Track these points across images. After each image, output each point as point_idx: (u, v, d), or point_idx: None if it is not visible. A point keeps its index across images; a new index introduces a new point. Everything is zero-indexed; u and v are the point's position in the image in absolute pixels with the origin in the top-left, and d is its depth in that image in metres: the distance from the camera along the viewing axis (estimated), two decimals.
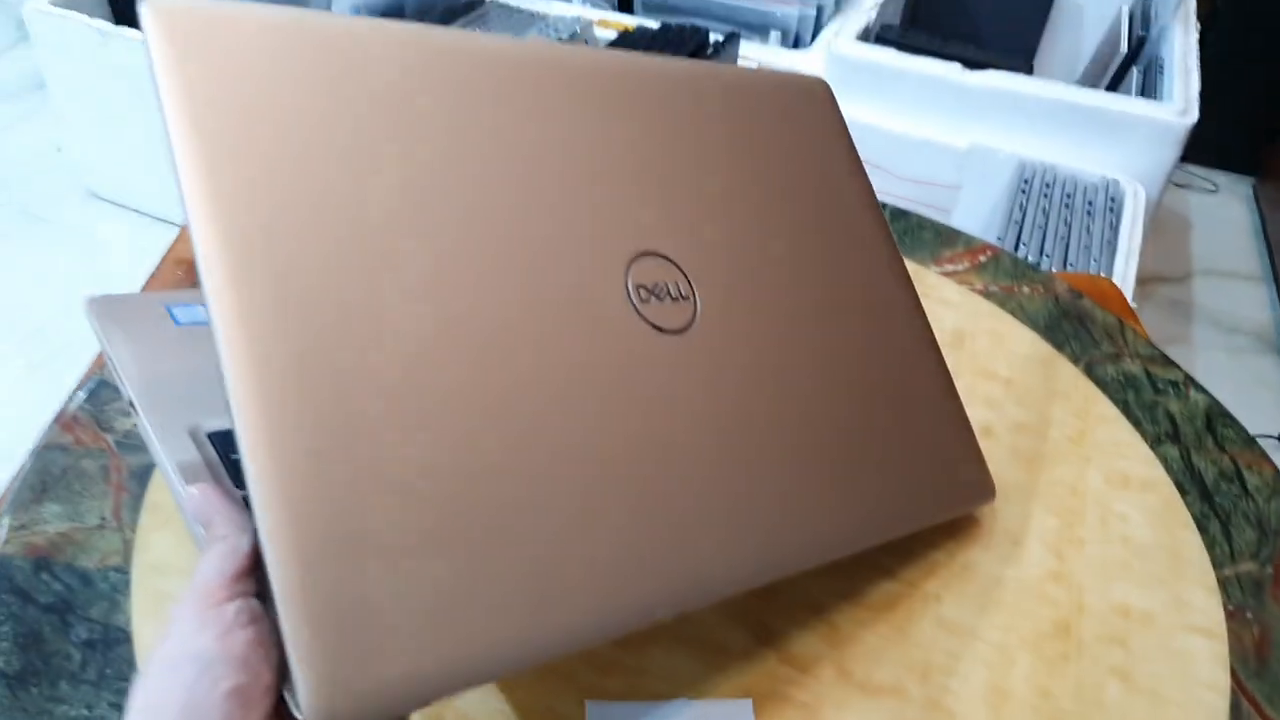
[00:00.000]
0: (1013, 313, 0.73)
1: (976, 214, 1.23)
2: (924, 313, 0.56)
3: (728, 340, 0.46)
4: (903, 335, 0.54)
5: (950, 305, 0.73)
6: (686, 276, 0.45)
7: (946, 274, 0.76)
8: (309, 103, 0.38)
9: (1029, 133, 1.31)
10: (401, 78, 0.40)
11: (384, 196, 0.38)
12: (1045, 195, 1.23)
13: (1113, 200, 1.22)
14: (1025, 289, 0.75)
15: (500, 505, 0.36)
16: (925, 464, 0.52)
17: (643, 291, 0.43)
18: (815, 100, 0.57)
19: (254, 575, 0.34)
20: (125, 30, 1.51)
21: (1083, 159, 1.29)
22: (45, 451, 0.59)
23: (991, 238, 1.09)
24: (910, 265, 0.76)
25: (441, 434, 0.36)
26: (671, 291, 0.44)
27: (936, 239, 0.80)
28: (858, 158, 0.57)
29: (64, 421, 0.61)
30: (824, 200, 0.54)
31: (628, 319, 0.42)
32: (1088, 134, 1.29)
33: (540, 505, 0.37)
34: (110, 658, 0.49)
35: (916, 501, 0.51)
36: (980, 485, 0.55)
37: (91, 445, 0.60)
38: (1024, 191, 1.23)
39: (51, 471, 0.58)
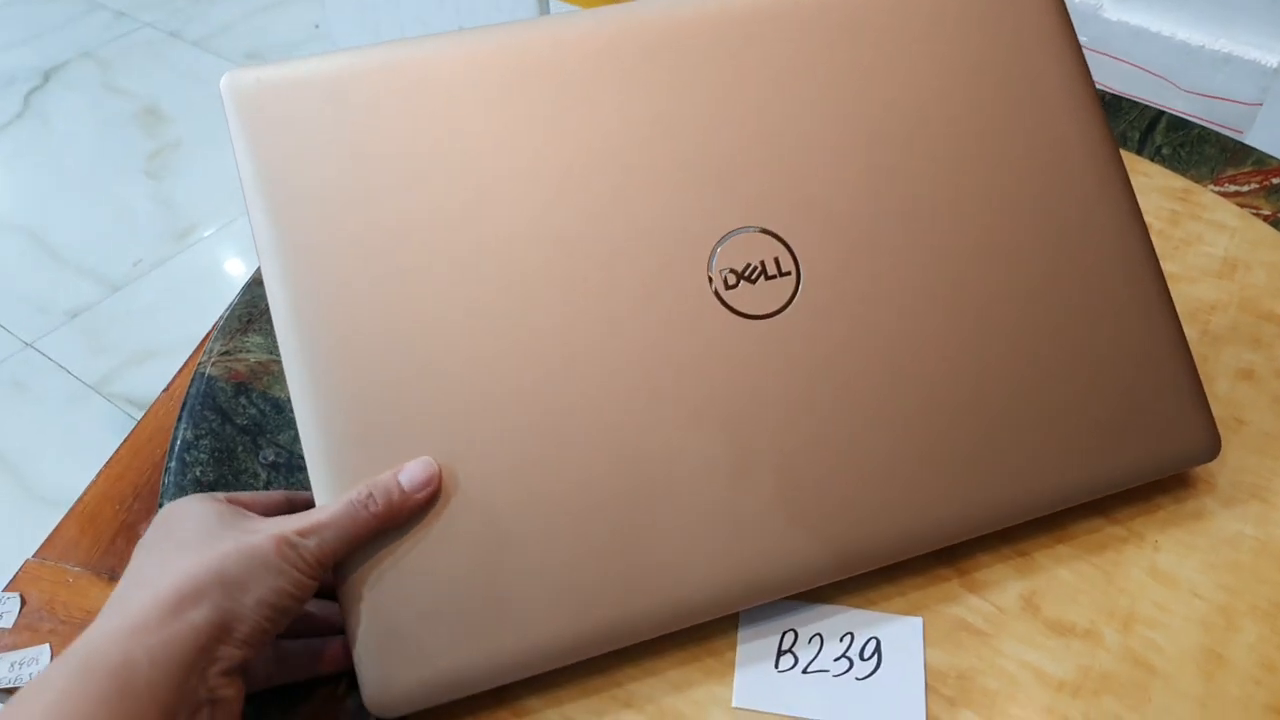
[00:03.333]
0: None
1: (1274, 142, 1.06)
2: (1149, 244, 0.47)
3: (840, 310, 0.44)
4: (1106, 271, 0.46)
5: (1225, 230, 0.63)
6: (790, 248, 0.43)
7: (1227, 194, 0.65)
8: (367, 137, 0.42)
9: None
10: (450, 88, 0.43)
11: (439, 209, 0.41)
12: None
13: None
14: None
15: (561, 520, 0.40)
16: (1122, 421, 0.45)
17: (729, 276, 0.42)
18: (1028, 4, 0.48)
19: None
20: None
21: None
22: (254, 287, 0.62)
23: None
24: (1181, 183, 0.66)
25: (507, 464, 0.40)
26: (769, 269, 0.43)
27: (1221, 154, 0.69)
28: (1077, 53, 0.48)
29: None
30: (1020, 120, 0.47)
31: (708, 309, 0.42)
32: None
33: (600, 514, 0.40)
34: (291, 481, 0.51)
35: (1103, 463, 0.45)
36: (1196, 442, 0.46)
37: None
38: None
39: (259, 305, 0.60)
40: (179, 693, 0.32)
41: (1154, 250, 0.48)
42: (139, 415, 1.29)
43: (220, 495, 0.40)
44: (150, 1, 2.15)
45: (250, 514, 0.39)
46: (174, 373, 1.33)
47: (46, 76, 1.93)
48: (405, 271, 0.41)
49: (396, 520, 0.39)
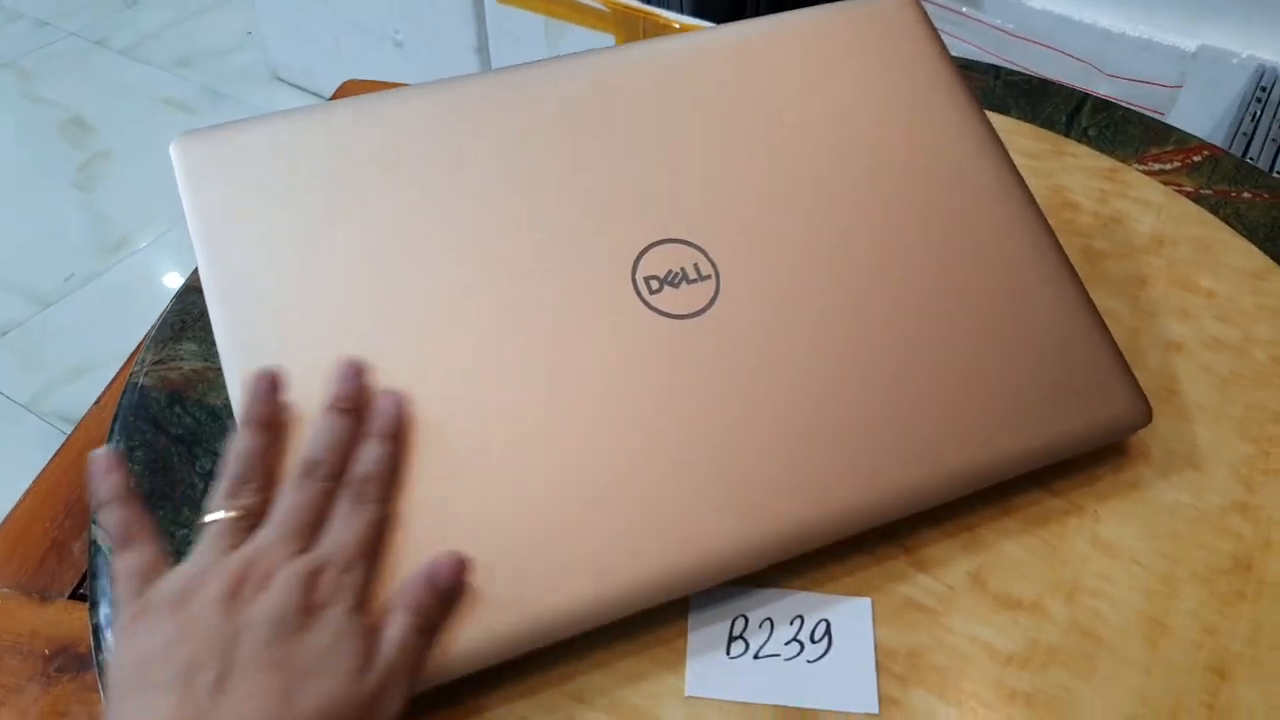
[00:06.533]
0: (1226, 219, 0.63)
1: (1197, 121, 1.09)
2: (1048, 229, 0.51)
3: (763, 307, 0.47)
4: (1012, 255, 0.50)
5: (1150, 207, 0.64)
6: (707, 254, 0.46)
7: (1151, 172, 0.67)
8: (305, 186, 0.45)
9: (1273, 33, 1.14)
10: (385, 140, 0.47)
11: (377, 243, 0.45)
12: None
13: None
14: (1246, 194, 0.65)
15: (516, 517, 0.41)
16: (1046, 394, 0.46)
17: (652, 282, 0.45)
18: (896, 21, 0.55)
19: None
20: None
21: None
22: (186, 294, 0.60)
23: None
24: (1108, 162, 0.67)
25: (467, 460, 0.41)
26: (689, 274, 0.46)
27: (1145, 134, 0.70)
28: (954, 71, 0.54)
29: None
30: (904, 129, 0.52)
31: (633, 312, 0.45)
32: None
33: (546, 504, 0.41)
34: None
35: (1037, 436, 0.46)
36: (1130, 410, 0.48)
37: None
38: (1259, 100, 1.08)
39: (191, 313, 0.59)
40: None
41: (1053, 233, 0.51)
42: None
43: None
44: (74, 9, 2.09)
45: None
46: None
47: None
48: (352, 315, 0.43)
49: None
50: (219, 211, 0.44)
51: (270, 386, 0.40)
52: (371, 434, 0.40)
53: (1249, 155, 1.01)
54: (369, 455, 0.39)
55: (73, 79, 1.90)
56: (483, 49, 1.49)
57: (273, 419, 0.40)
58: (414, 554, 0.39)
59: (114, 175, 1.68)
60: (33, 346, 1.39)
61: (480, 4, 1.44)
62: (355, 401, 0.40)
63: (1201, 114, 1.10)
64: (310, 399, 0.41)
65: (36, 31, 2.02)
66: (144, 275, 1.52)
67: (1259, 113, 1.05)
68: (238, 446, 0.39)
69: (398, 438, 0.40)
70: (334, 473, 0.39)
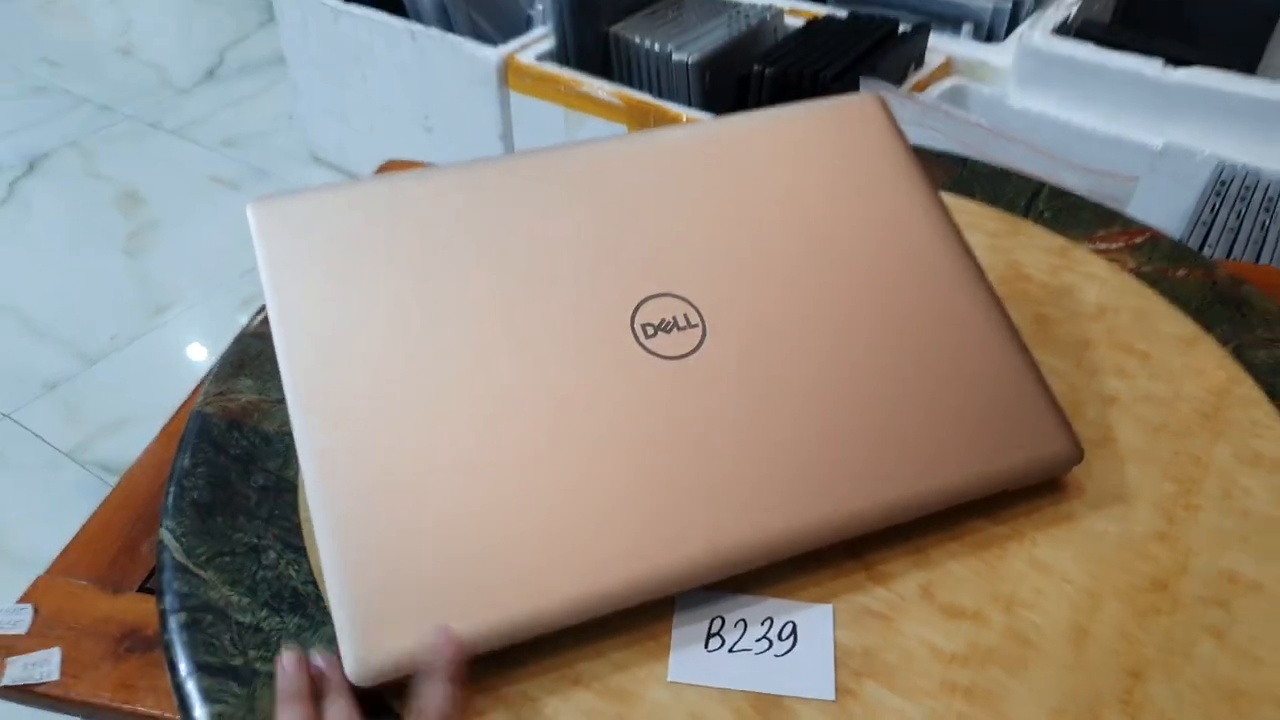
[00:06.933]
0: (1162, 293, 0.71)
1: (1157, 211, 1.18)
2: (992, 293, 0.59)
3: (745, 352, 0.54)
4: (959, 314, 0.58)
5: (1096, 280, 0.72)
6: (695, 307, 0.54)
7: (1098, 251, 0.75)
8: (360, 246, 0.54)
9: (1232, 134, 1.24)
10: (427, 209, 0.56)
11: (425, 306, 0.53)
12: (1243, 199, 1.16)
13: None
14: (1181, 271, 0.73)
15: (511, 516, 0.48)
16: (987, 433, 0.54)
17: (648, 329, 0.53)
18: (862, 117, 0.64)
19: None
20: (353, 8, 1.67)
21: None
22: (245, 338, 0.69)
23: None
24: (1060, 241, 0.76)
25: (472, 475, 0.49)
26: (680, 323, 0.54)
27: (1094, 218, 0.79)
28: (911, 158, 0.63)
29: (263, 316, 0.71)
30: (865, 206, 0.60)
31: (631, 354, 0.53)
32: None
33: (564, 509, 0.48)
34: (279, 502, 0.57)
35: (979, 469, 0.53)
36: (1062, 449, 0.55)
37: None
38: (1219, 194, 1.17)
39: (248, 354, 0.67)
40: None
41: (999, 299, 0.59)
42: (112, 480, 1.33)
43: None
44: (132, 95, 2.25)
45: None
46: (147, 440, 1.38)
47: (31, 165, 2.01)
48: (398, 351, 0.51)
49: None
50: (287, 265, 0.53)
51: (295, 665, 0.46)
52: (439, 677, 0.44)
53: (1207, 242, 1.09)
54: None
55: (128, 157, 2.04)
56: (506, 135, 1.60)
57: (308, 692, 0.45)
58: (452, 553, 0.47)
59: (161, 244, 1.80)
60: (77, 400, 1.48)
61: (505, 96, 1.56)
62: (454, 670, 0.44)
63: (1164, 204, 1.19)
64: (362, 422, 0.49)
65: (98, 114, 2.18)
66: (181, 339, 1.61)
67: (1218, 205, 1.14)
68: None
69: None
70: None
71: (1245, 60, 1.54)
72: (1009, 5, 1.54)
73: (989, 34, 1.56)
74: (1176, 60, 1.29)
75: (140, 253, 1.77)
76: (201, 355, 1.59)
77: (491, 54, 1.53)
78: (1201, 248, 1.09)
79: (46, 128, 2.13)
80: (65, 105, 2.21)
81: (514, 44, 1.56)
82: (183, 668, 0.49)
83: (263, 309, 0.72)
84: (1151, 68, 1.28)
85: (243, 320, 0.74)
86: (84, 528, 0.58)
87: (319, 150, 2.00)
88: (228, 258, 1.75)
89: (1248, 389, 0.64)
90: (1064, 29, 1.44)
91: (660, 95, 1.45)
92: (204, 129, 2.12)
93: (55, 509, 1.32)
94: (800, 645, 0.50)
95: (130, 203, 1.90)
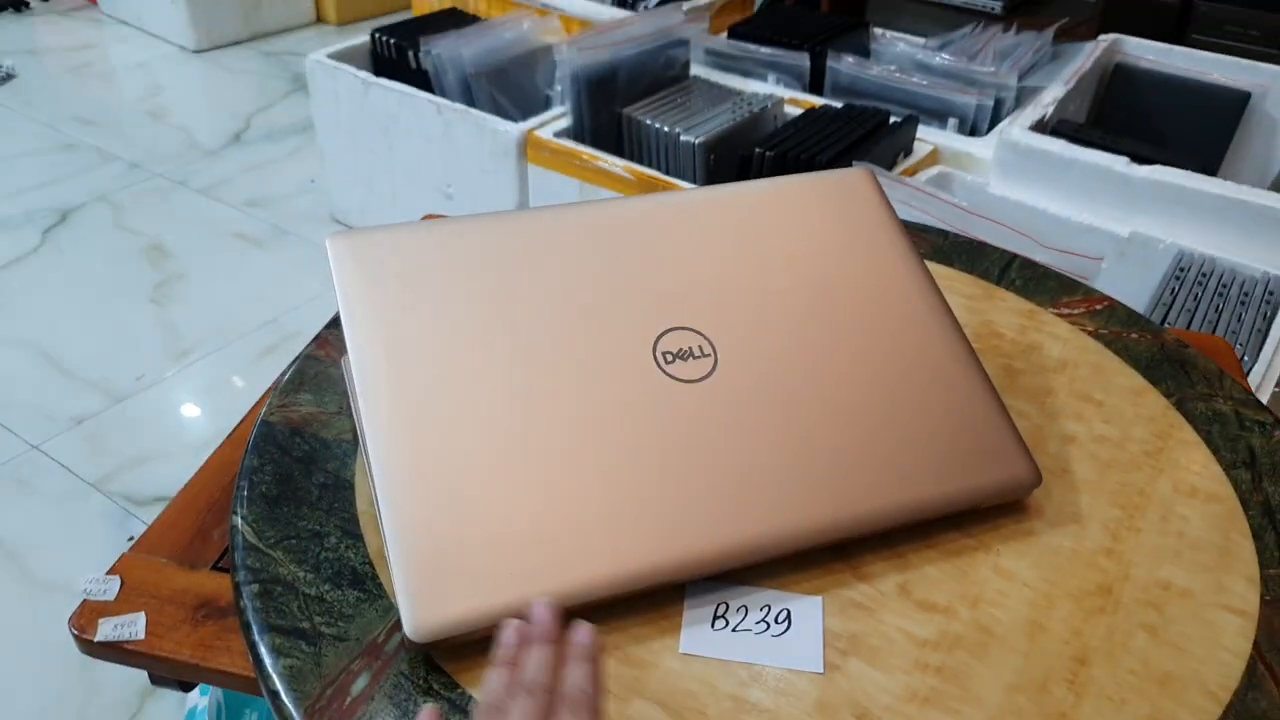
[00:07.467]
0: (1117, 352, 0.81)
1: (1123, 291, 1.29)
2: (966, 342, 0.68)
3: (751, 379, 0.63)
4: (936, 356, 0.67)
5: (1058, 339, 0.82)
6: (708, 339, 0.64)
7: (1062, 315, 0.85)
8: (430, 284, 0.62)
9: (1192, 226, 1.36)
10: (487, 251, 0.65)
11: (482, 329, 0.62)
12: (1200, 283, 1.27)
13: (1270, 294, 1.25)
14: (1134, 335, 0.83)
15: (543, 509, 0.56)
16: (959, 458, 0.63)
17: (668, 356, 0.62)
18: (856, 188, 0.74)
19: None
20: (383, 80, 1.80)
21: (1245, 255, 1.32)
22: (305, 360, 0.77)
23: None
24: (1028, 305, 0.86)
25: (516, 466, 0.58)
26: (695, 352, 0.63)
27: (1059, 287, 0.88)
28: (898, 225, 0.73)
29: (319, 341, 0.79)
30: (857, 261, 0.70)
31: (653, 376, 0.62)
32: (1253, 231, 1.32)
33: (602, 504, 0.57)
34: (337, 497, 0.65)
35: (950, 486, 0.62)
36: (1023, 474, 0.64)
37: (336, 359, 0.77)
38: (1178, 278, 1.28)
39: (307, 373, 0.76)
40: None
41: (972, 348, 0.68)
42: (136, 511, 1.40)
43: None
44: (162, 155, 2.37)
45: None
46: (170, 474, 1.45)
47: (63, 216, 2.11)
48: (457, 364, 0.60)
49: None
50: (360, 289, 0.61)
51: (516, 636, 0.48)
52: (574, 657, 0.46)
53: (1167, 320, 1.20)
54: (579, 674, 0.46)
55: (157, 212, 2.14)
56: (523, 204, 1.71)
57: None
58: (501, 538, 0.55)
59: (185, 294, 1.89)
60: (104, 435, 1.55)
61: (523, 167, 1.68)
62: (556, 634, 0.47)
63: (1130, 285, 1.29)
64: (426, 430, 0.57)
65: (129, 172, 2.29)
66: (203, 381, 1.69)
67: (1177, 288, 1.25)
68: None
69: (596, 660, 0.47)
70: (549, 689, 0.45)
71: (1208, 162, 1.67)
72: (991, 103, 1.68)
73: (973, 129, 1.70)
74: (1142, 159, 1.41)
75: (166, 301, 1.87)
76: (221, 398, 1.67)
77: (513, 129, 1.65)
78: (1162, 324, 1.19)
79: (77, 181, 2.24)
80: (96, 161, 2.32)
81: (533, 121, 1.68)
82: (256, 629, 0.56)
83: (319, 336, 0.81)
84: (1119, 164, 1.41)
85: (270, 374, 0.82)
86: (160, 516, 0.65)
87: (341, 213, 2.11)
88: (249, 309, 1.84)
89: (1187, 434, 0.73)
90: (1041, 126, 1.57)
91: (668, 173, 1.56)
92: (229, 189, 2.24)
93: (81, 537, 1.38)
94: (794, 628, 0.57)
95: (157, 255, 2.00)
